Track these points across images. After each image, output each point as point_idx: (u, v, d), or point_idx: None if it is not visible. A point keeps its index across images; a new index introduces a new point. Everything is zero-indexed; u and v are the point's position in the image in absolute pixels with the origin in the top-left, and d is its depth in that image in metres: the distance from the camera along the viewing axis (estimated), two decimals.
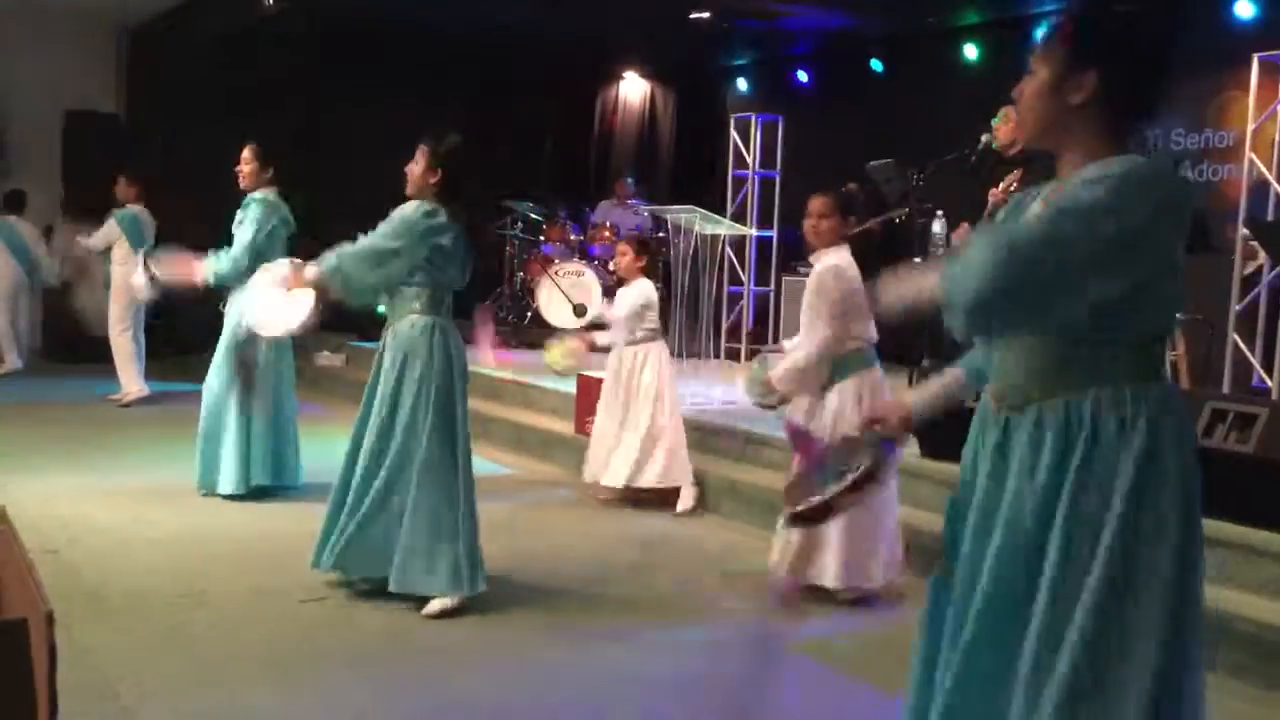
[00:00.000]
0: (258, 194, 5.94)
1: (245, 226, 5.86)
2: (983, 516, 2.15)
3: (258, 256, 5.68)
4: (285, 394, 6.00)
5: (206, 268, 5.78)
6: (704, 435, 6.42)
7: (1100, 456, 2.02)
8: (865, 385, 4.44)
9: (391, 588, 4.16)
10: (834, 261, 4.46)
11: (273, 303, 4.34)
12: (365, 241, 4.17)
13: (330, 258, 4.16)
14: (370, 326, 10.86)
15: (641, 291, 6.05)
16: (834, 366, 4.47)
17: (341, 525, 4.23)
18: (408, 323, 4.24)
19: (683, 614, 4.38)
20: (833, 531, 4.34)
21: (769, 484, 5.76)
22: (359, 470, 4.24)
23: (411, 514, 4.14)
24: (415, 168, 4.28)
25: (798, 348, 4.52)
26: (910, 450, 5.15)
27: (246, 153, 5.99)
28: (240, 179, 5.99)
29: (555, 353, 6.35)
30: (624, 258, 6.15)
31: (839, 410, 4.43)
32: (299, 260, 4.38)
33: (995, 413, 2.17)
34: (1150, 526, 2.00)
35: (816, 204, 4.52)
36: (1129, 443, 2.01)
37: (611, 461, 5.96)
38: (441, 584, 4.13)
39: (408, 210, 4.21)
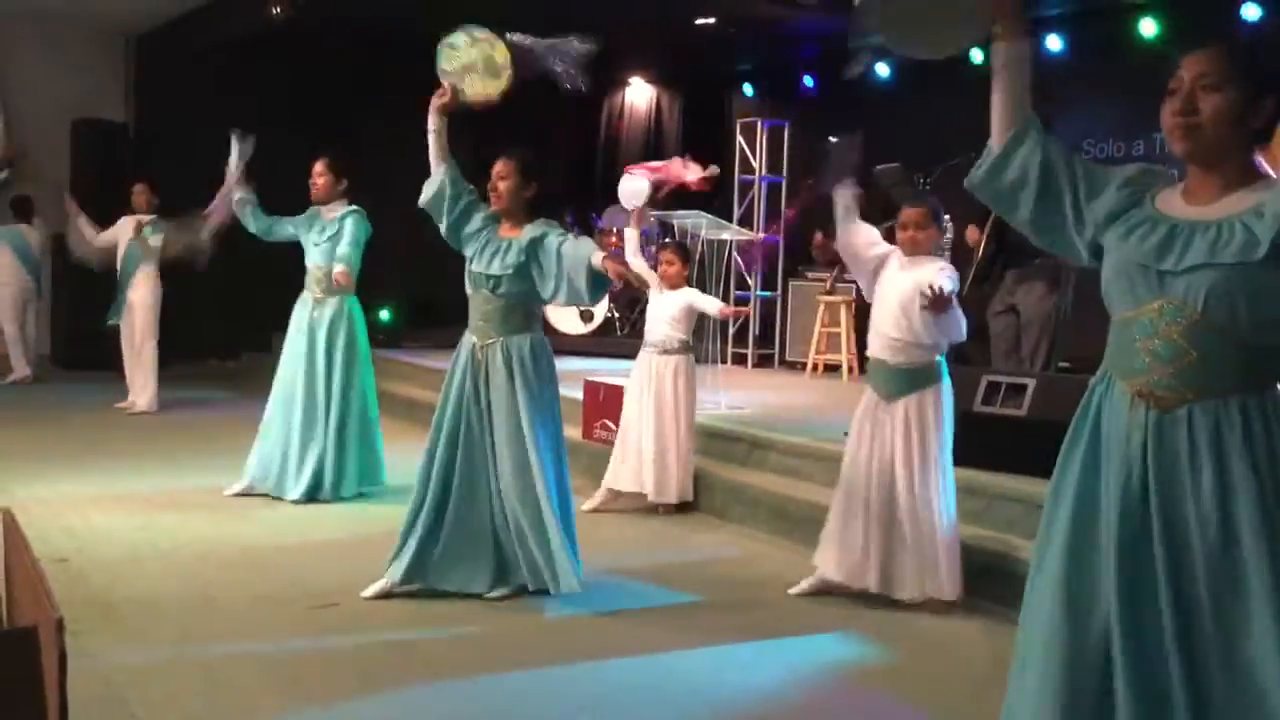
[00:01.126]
0: (342, 206, 6.03)
1: (344, 237, 5.96)
2: (1139, 519, 2.19)
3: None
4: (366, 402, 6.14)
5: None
6: (710, 440, 6.41)
7: (1254, 464, 2.13)
8: (930, 398, 4.45)
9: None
10: (950, 268, 4.48)
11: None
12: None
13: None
14: (374, 334, 10.88)
15: (698, 300, 6.07)
16: (908, 376, 4.45)
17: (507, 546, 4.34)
18: (522, 339, 4.33)
19: (692, 621, 4.37)
20: (907, 539, 4.39)
21: (773, 489, 5.76)
22: (496, 491, 4.32)
23: (551, 520, 4.29)
24: (506, 183, 4.32)
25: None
26: None
27: (319, 165, 6.06)
28: (314, 192, 6.06)
29: None
30: (671, 267, 6.09)
31: (893, 429, 4.45)
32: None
33: (1130, 409, 2.22)
34: None
35: (915, 214, 4.47)
36: (1263, 449, 2.13)
37: (642, 472, 5.95)
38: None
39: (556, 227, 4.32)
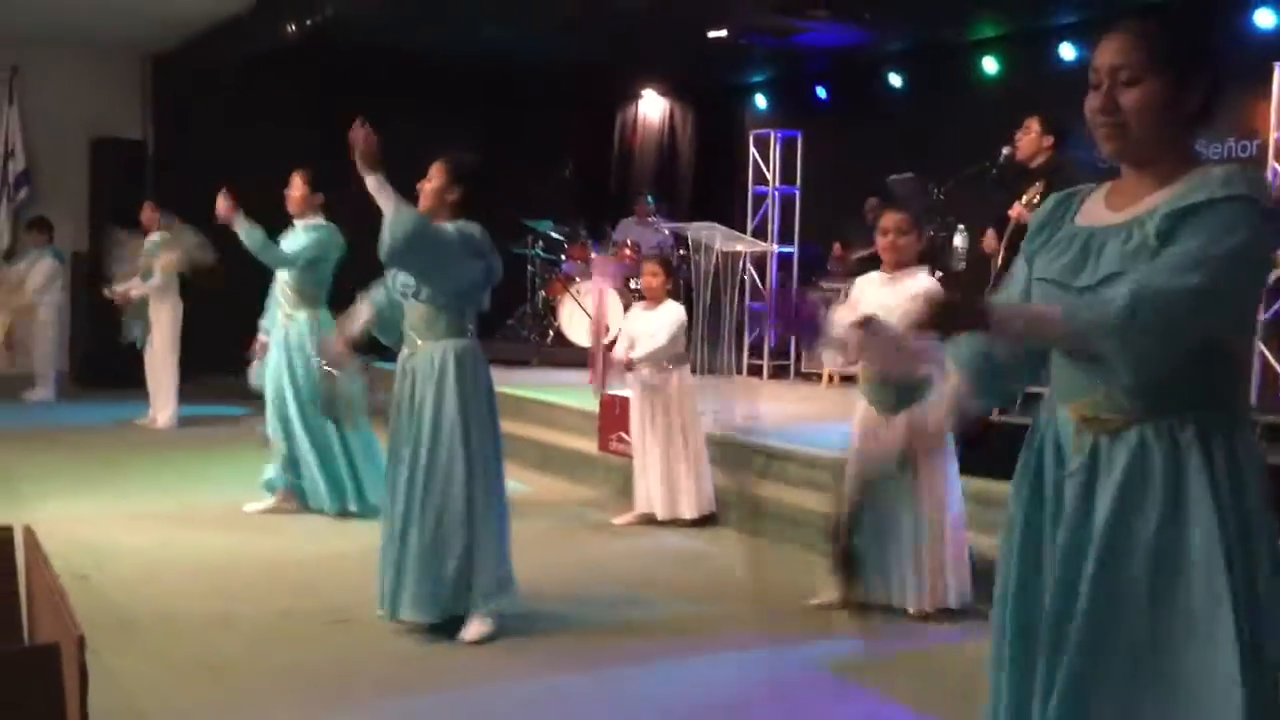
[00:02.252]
0: (320, 222, 6.02)
1: (302, 244, 5.95)
2: (1072, 554, 2.01)
3: (313, 282, 5.99)
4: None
5: (245, 230, 5.98)
6: (727, 452, 6.40)
7: (1213, 487, 1.92)
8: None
9: (433, 618, 4.09)
10: (934, 282, 4.38)
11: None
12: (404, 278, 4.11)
13: (369, 308, 4.21)
14: (386, 347, 10.94)
15: (679, 315, 5.97)
16: (906, 390, 4.39)
17: (403, 565, 4.08)
18: (448, 346, 4.13)
19: (710, 635, 4.36)
20: (905, 549, 4.34)
21: (791, 500, 5.74)
22: (404, 505, 4.10)
23: (459, 540, 4.08)
24: (430, 184, 4.19)
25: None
26: None
27: (296, 179, 6.04)
28: (289, 204, 6.04)
29: None
30: (655, 279, 6.01)
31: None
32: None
33: (1076, 435, 2.03)
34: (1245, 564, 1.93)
35: (895, 220, 4.41)
36: (1222, 471, 1.93)
37: (651, 492, 5.91)
38: (478, 603, 4.10)
39: (449, 231, 4.08)
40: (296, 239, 6.02)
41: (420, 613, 4.09)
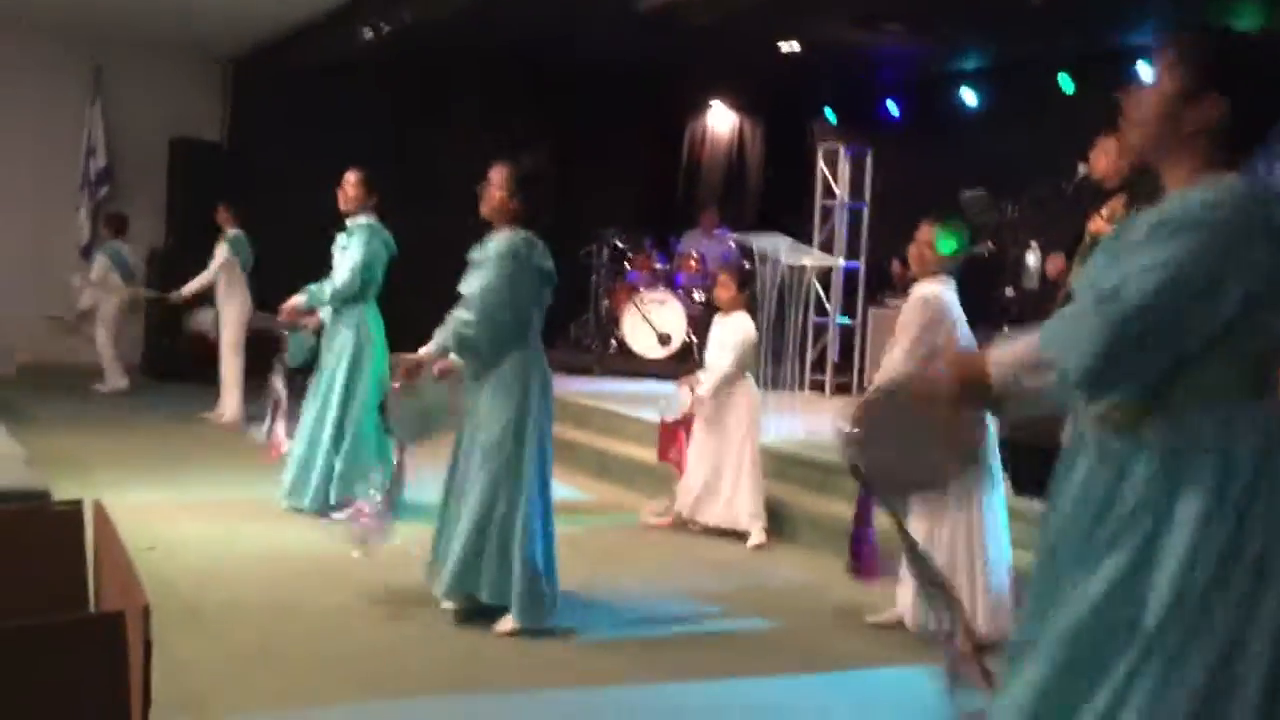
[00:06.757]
0: (361, 219, 6.00)
1: (352, 251, 5.92)
2: None
3: (366, 281, 5.92)
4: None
5: (308, 299, 6.02)
6: (785, 466, 6.35)
7: None
8: None
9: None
10: (928, 291, 4.34)
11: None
12: (486, 300, 4.12)
13: (452, 333, 4.16)
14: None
15: (745, 334, 5.92)
16: None
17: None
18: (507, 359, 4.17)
19: (765, 648, 4.32)
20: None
21: (849, 515, 5.67)
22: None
23: (516, 536, 4.12)
24: (495, 192, 4.25)
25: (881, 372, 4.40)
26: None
27: (351, 176, 6.01)
28: (342, 201, 6.01)
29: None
30: (725, 291, 5.98)
31: None
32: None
33: None
34: None
35: (929, 232, 4.42)
36: None
37: (705, 499, 5.88)
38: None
39: (515, 244, 4.16)
40: (347, 250, 5.96)
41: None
